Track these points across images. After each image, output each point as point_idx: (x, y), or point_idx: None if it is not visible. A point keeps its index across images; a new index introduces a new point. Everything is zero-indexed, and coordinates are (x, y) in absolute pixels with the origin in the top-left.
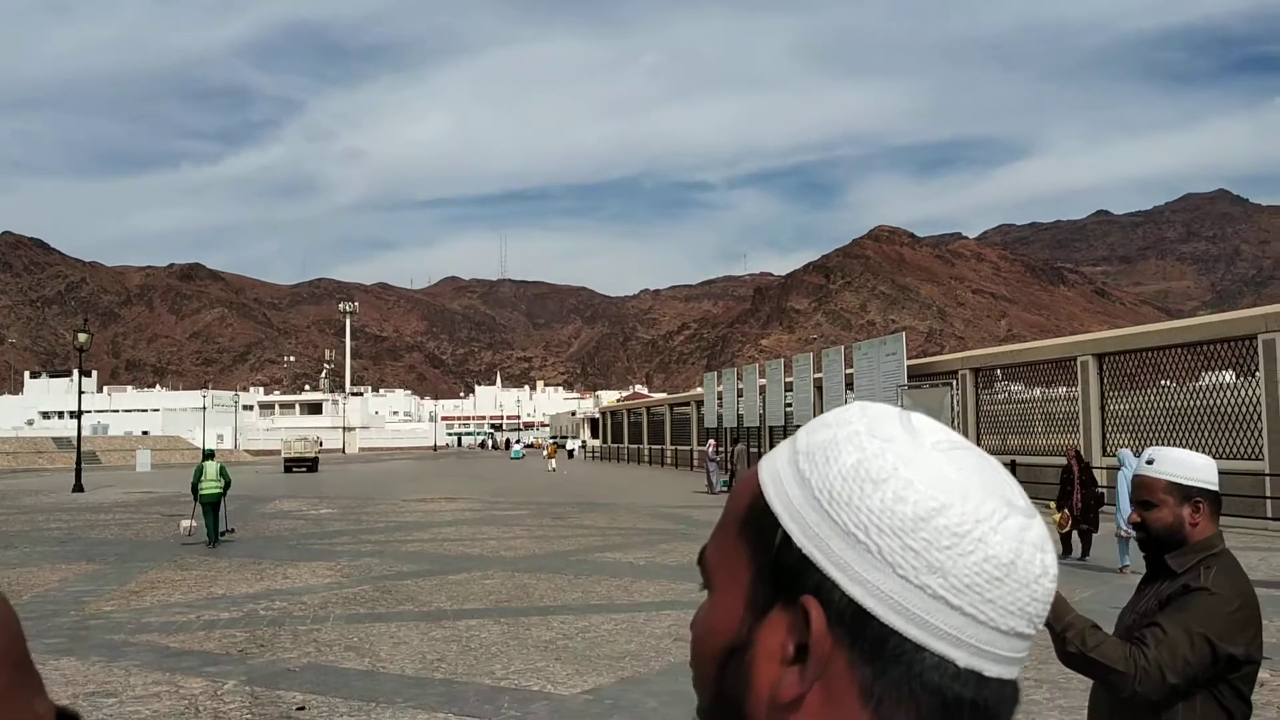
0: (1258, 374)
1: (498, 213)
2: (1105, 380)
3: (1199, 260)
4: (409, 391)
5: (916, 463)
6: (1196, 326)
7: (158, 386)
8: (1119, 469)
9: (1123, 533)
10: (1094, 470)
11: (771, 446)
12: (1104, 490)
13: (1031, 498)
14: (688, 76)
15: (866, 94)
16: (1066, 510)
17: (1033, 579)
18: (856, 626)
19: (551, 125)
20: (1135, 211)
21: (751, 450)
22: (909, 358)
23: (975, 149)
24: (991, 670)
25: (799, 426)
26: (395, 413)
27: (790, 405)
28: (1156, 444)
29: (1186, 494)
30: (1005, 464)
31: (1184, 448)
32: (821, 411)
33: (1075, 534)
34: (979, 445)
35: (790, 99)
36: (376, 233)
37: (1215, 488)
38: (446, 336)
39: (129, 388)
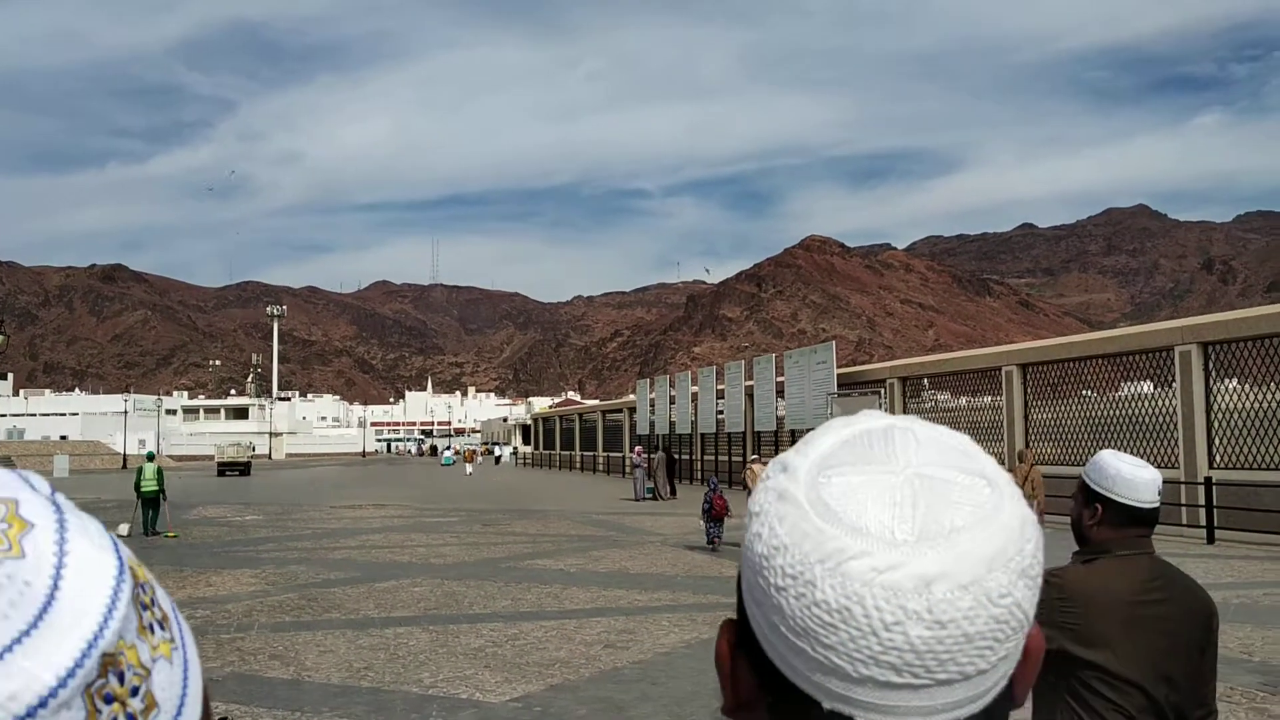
0: (1174, 384)
1: (431, 217)
2: (1029, 390)
3: (1119, 273)
4: (338, 397)
5: (788, 497)
6: (1116, 338)
7: (77, 390)
8: None
9: None
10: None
11: (704, 454)
12: None
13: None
14: (629, 84)
15: (805, 106)
16: None
17: (879, 627)
18: (755, 655)
19: (490, 130)
20: (1059, 225)
21: (676, 457)
22: (839, 366)
23: (907, 161)
24: (871, 718)
25: (730, 434)
26: (324, 418)
27: (722, 413)
28: (1077, 453)
29: (1089, 496)
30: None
31: (1127, 457)
32: (752, 419)
33: None
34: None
35: (730, 109)
36: (307, 236)
37: (1122, 499)
38: (377, 341)
39: (47, 391)
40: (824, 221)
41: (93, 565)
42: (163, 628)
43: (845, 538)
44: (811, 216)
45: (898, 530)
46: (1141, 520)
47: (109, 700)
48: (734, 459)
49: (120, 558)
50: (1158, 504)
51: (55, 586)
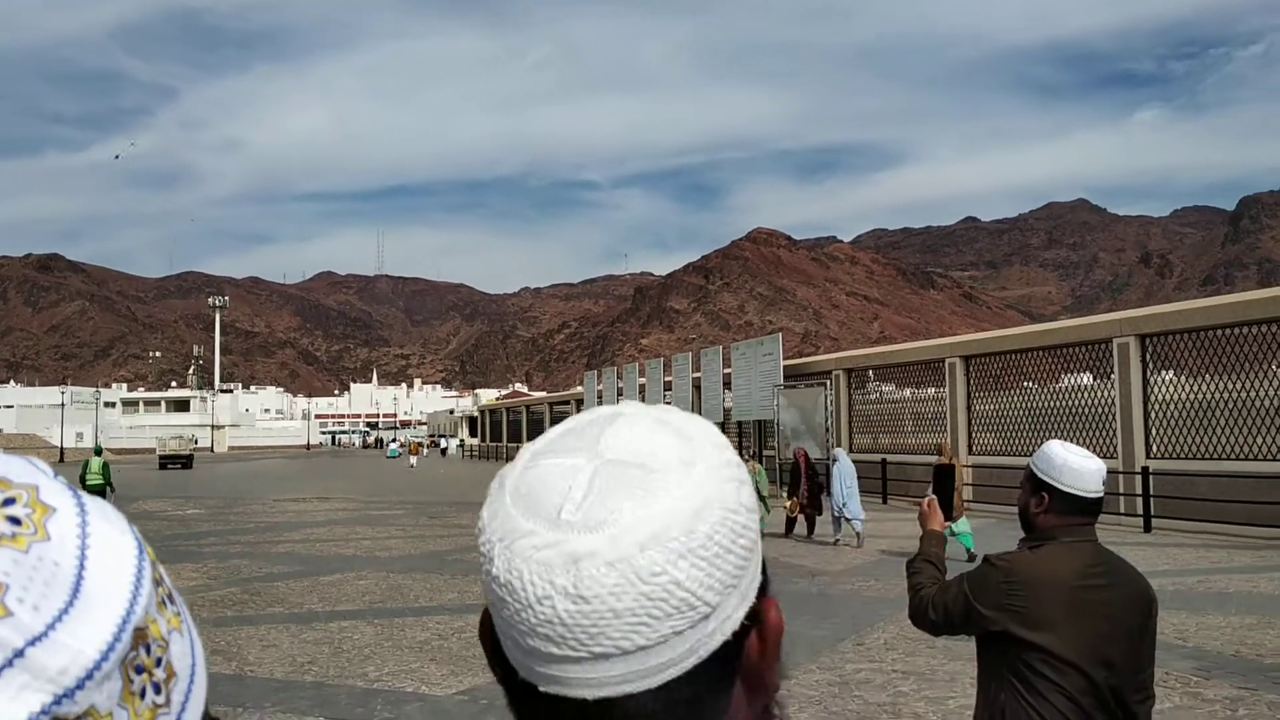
0: (1113, 376)
1: (377, 208)
2: (972, 381)
3: (1060, 266)
4: (281, 389)
5: (500, 481)
6: (1057, 330)
7: (11, 382)
8: (834, 464)
9: (836, 513)
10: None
11: None
12: (824, 481)
13: (903, 496)
14: (576, 74)
15: (752, 99)
16: (795, 499)
17: (533, 600)
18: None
19: (435, 120)
20: (1001, 219)
21: None
22: (785, 358)
23: (853, 155)
24: (569, 691)
25: None
26: (267, 410)
27: (670, 404)
28: (1018, 444)
29: (1036, 485)
30: (875, 462)
31: (1074, 448)
32: (700, 411)
33: (802, 517)
34: (851, 444)
35: (678, 101)
36: (250, 226)
37: (1068, 488)
38: (321, 333)
39: None
40: (771, 214)
41: (115, 545)
42: (172, 602)
43: (520, 519)
44: (759, 209)
45: (565, 512)
46: (1086, 509)
47: (139, 671)
48: None
49: (137, 537)
50: (1102, 494)
51: (82, 566)
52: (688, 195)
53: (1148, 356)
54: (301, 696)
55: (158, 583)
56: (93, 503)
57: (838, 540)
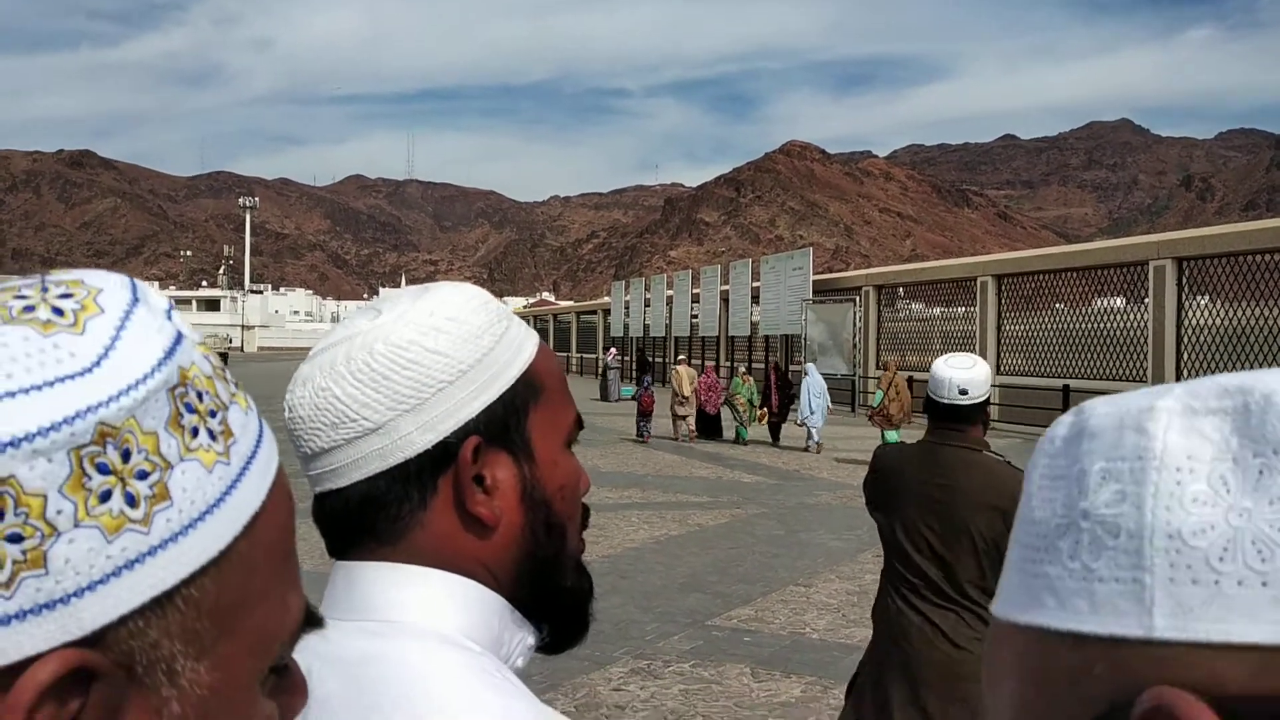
0: (1147, 300)
1: (408, 110)
2: (1003, 301)
3: (1099, 188)
4: (310, 291)
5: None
6: (1093, 251)
7: None
8: (805, 377)
9: (800, 422)
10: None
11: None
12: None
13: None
14: None
15: (789, 7)
16: (766, 408)
17: (286, 409)
18: None
19: (468, 22)
20: (1041, 137)
21: (650, 360)
22: (815, 273)
23: (892, 68)
24: (313, 486)
25: (704, 339)
26: (296, 312)
27: (696, 317)
28: (1048, 365)
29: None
30: (905, 380)
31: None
32: (727, 325)
33: (771, 425)
34: (878, 361)
35: (716, 8)
36: (281, 127)
37: (931, 394)
38: (350, 236)
39: (13, 279)
40: (806, 127)
41: (135, 350)
42: (213, 438)
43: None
44: (794, 121)
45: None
46: (943, 414)
47: (103, 470)
48: (705, 363)
49: (170, 351)
50: (960, 402)
51: (97, 364)
52: (722, 106)
53: (1184, 281)
54: None
55: (194, 408)
56: (146, 313)
57: (807, 447)
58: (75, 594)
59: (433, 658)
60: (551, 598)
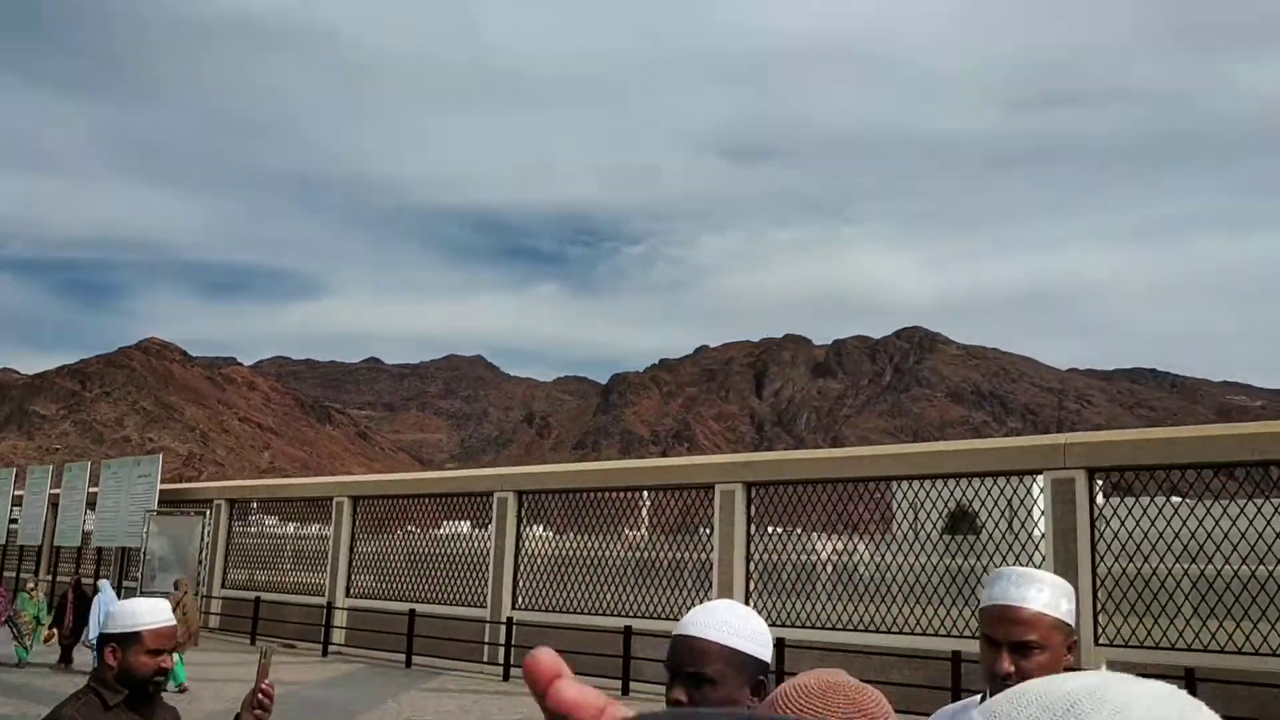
0: (490, 527)
1: None
2: (358, 521)
3: (453, 416)
4: None
5: None
6: (446, 479)
7: None
8: (98, 594)
9: (88, 643)
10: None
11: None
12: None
13: (274, 636)
14: None
15: (161, 201)
16: (56, 628)
17: None
18: None
19: None
20: (404, 364)
21: None
22: (165, 481)
23: (266, 279)
24: None
25: (23, 547)
26: None
27: (16, 522)
28: (397, 586)
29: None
30: (249, 600)
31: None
32: (54, 532)
33: (63, 646)
34: (226, 578)
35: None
36: None
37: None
38: None
39: None
40: (169, 325)
41: None
42: None
43: None
44: (155, 318)
45: None
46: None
47: None
48: (23, 574)
49: None
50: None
51: None
52: (72, 291)
53: (523, 511)
54: None
55: None
56: None
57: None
58: None
59: None
60: None
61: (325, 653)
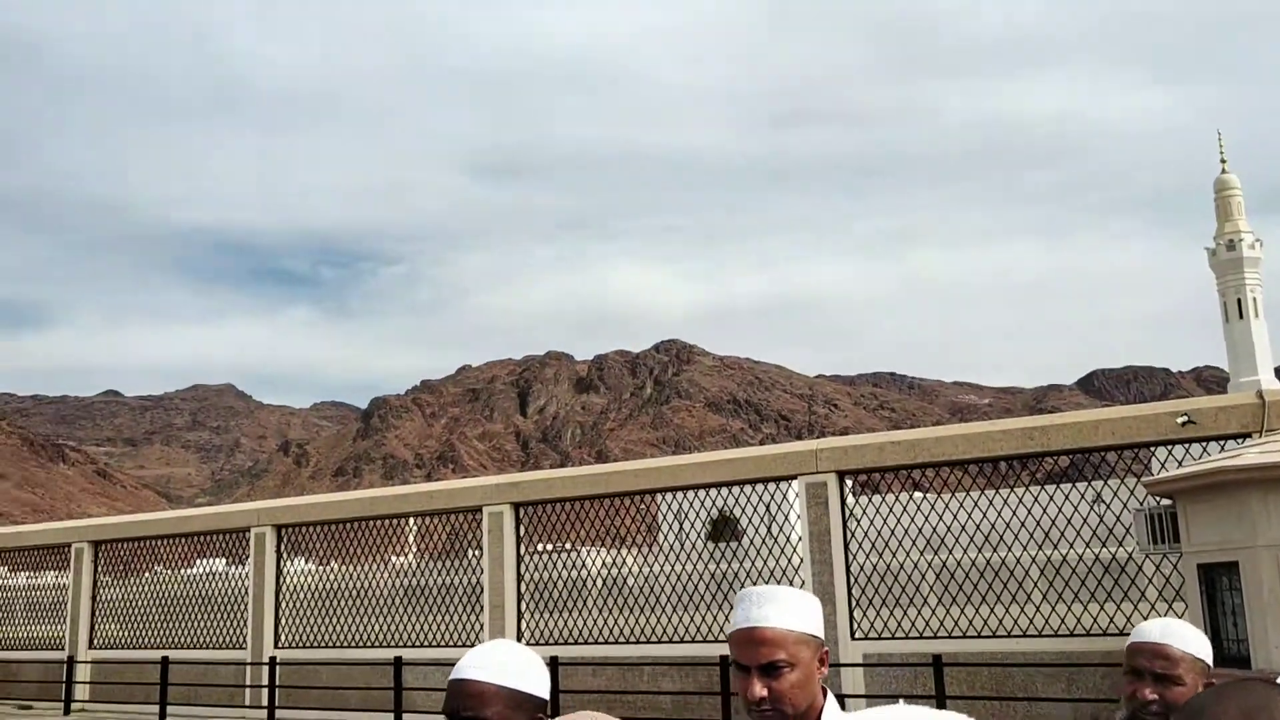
0: (248, 563)
1: None
2: (100, 567)
3: (202, 449)
4: None
5: None
6: (199, 517)
7: None
8: None
9: None
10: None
11: None
12: None
13: (8, 698)
14: None
15: None
16: None
17: None
18: None
19: None
20: (146, 395)
21: None
22: None
23: None
24: None
25: None
26: None
27: None
28: (146, 634)
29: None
30: None
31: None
32: None
33: None
34: None
35: None
36: None
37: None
38: None
39: None
40: None
41: None
42: None
43: None
44: None
45: None
46: None
47: None
48: None
49: None
50: None
51: None
52: None
53: (282, 545)
54: None
55: None
56: None
57: None
58: None
59: None
60: None
61: (68, 710)
